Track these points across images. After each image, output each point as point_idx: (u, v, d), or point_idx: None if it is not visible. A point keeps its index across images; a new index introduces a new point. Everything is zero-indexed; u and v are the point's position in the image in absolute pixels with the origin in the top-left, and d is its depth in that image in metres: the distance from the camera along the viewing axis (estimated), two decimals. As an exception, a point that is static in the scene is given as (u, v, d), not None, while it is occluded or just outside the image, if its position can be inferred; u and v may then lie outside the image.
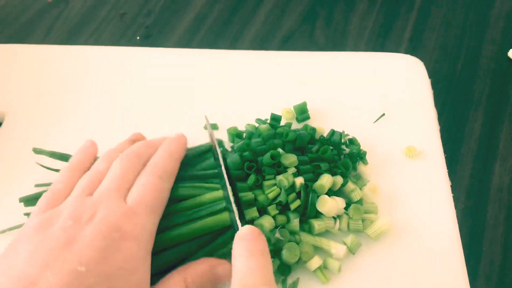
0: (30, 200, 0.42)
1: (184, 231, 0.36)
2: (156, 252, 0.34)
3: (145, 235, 0.33)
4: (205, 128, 0.40)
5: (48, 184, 0.43)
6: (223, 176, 0.37)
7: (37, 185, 0.44)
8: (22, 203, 0.42)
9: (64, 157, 0.45)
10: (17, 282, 0.28)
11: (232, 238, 0.31)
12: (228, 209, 0.36)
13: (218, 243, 0.36)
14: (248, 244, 0.29)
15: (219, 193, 0.37)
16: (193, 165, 0.40)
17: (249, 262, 0.28)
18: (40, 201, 0.36)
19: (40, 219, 0.33)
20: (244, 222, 0.34)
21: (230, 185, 0.36)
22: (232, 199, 0.35)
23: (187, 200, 0.37)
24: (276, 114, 0.46)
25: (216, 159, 0.38)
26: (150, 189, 0.35)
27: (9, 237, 0.41)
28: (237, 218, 0.33)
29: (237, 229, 0.32)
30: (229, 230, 0.37)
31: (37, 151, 0.45)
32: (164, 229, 0.35)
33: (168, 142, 0.40)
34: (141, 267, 0.32)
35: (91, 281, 0.29)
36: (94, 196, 0.34)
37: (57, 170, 0.44)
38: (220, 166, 0.37)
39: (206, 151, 0.42)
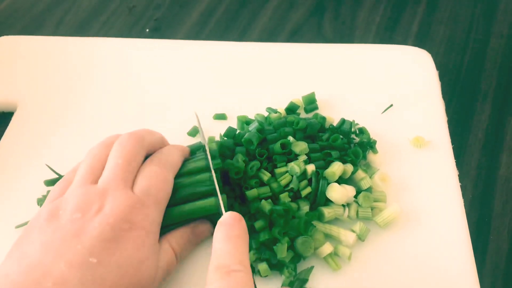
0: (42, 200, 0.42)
1: (175, 213, 0.37)
2: None
3: (153, 224, 0.34)
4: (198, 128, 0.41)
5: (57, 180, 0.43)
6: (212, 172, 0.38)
7: (46, 181, 0.43)
8: (34, 192, 0.43)
9: None
10: (30, 270, 0.29)
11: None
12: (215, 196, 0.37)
13: None
14: (226, 229, 0.31)
15: (205, 176, 0.38)
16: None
17: (225, 245, 0.30)
18: (53, 189, 0.37)
19: (48, 208, 0.33)
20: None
21: (217, 180, 0.38)
22: (218, 191, 0.36)
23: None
24: (293, 102, 0.47)
25: (206, 158, 0.39)
26: (156, 180, 0.35)
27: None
28: (222, 206, 0.35)
29: (221, 214, 0.33)
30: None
31: None
32: None
33: (173, 144, 0.41)
34: (150, 255, 0.33)
35: (102, 270, 0.30)
36: (99, 185, 0.34)
37: (60, 176, 0.43)
38: (209, 164, 0.38)
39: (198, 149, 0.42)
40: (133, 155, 0.36)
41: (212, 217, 0.38)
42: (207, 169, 0.38)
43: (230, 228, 0.31)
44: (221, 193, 0.37)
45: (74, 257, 0.30)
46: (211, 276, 0.28)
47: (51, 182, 0.42)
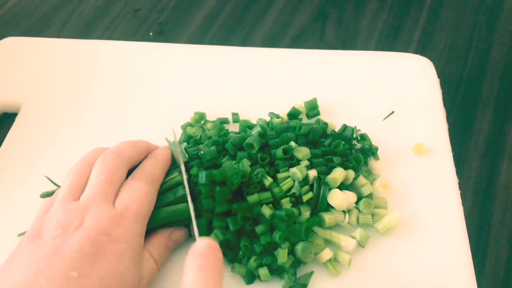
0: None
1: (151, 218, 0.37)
2: None
3: (134, 237, 0.34)
4: (172, 142, 0.41)
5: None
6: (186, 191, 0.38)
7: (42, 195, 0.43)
8: (38, 193, 0.43)
9: None
10: None
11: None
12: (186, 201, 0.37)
13: None
14: (201, 258, 0.29)
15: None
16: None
17: (199, 276, 0.28)
18: (40, 208, 0.37)
19: (32, 228, 0.34)
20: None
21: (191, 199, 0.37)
22: (192, 210, 0.36)
23: None
24: (295, 108, 0.47)
25: (180, 172, 0.39)
26: (137, 195, 0.36)
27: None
28: (195, 231, 0.34)
29: (195, 239, 0.32)
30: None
31: None
32: None
33: (157, 151, 0.41)
34: (132, 267, 0.33)
35: (84, 284, 0.30)
36: (81, 201, 0.35)
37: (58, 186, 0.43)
38: (183, 183, 0.39)
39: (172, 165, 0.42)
40: (115, 171, 0.37)
41: (187, 223, 0.39)
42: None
43: (204, 257, 0.28)
44: (195, 216, 0.36)
45: (54, 272, 0.30)
46: None
47: (47, 195, 0.42)
